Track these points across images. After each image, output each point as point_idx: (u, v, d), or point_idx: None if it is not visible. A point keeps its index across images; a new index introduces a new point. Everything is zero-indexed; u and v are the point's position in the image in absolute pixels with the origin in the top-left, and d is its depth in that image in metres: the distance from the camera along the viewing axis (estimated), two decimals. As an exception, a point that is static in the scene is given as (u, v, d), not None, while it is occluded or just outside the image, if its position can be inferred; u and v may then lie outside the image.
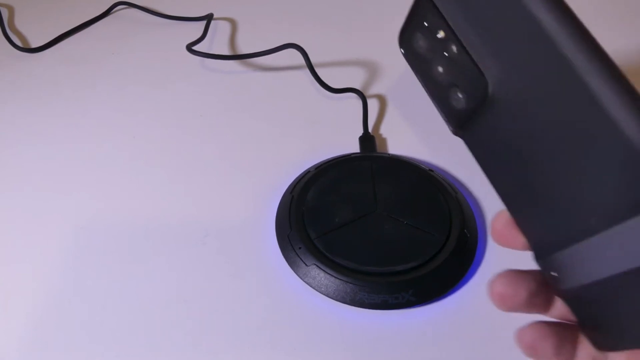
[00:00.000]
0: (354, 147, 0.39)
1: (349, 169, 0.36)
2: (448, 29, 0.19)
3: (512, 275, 0.20)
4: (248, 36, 0.53)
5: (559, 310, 0.21)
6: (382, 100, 0.44)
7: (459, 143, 0.44)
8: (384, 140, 0.41)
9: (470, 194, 0.36)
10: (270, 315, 0.30)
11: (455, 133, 0.21)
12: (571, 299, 0.19)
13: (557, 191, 0.18)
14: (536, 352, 0.20)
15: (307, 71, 0.44)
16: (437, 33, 0.20)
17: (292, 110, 0.44)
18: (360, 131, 0.41)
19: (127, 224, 0.35)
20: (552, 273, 0.19)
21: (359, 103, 0.43)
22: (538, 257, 0.20)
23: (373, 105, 0.44)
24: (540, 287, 0.20)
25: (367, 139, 0.40)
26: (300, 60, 0.45)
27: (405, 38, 0.22)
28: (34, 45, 0.52)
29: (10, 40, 0.52)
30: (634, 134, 0.15)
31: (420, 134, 0.41)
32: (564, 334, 0.20)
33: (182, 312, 0.30)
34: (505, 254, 0.32)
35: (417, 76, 0.22)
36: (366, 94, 0.44)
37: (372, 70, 0.48)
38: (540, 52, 0.16)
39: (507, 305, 0.20)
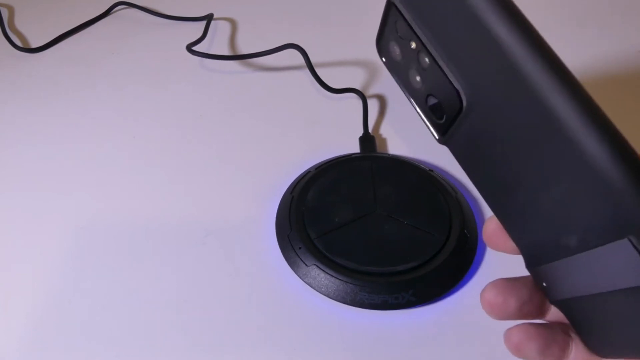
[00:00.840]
0: (354, 147, 0.39)
1: (349, 169, 0.36)
2: (418, 41, 0.19)
3: (502, 284, 0.20)
4: (248, 36, 0.53)
5: (554, 316, 0.21)
6: (382, 100, 0.44)
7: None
8: (384, 140, 0.41)
9: (470, 194, 0.36)
10: (270, 315, 0.30)
11: (440, 142, 0.21)
12: (562, 308, 0.19)
13: (535, 205, 0.18)
14: (522, 352, 0.20)
15: (307, 71, 0.44)
16: (409, 44, 0.20)
17: (292, 110, 0.44)
18: (360, 131, 0.41)
19: (127, 224, 0.35)
20: (543, 283, 0.19)
21: (359, 103, 0.43)
22: (528, 266, 0.19)
23: (373, 105, 0.44)
24: (533, 295, 0.20)
25: (367, 139, 0.40)
26: (300, 60, 0.45)
27: (382, 46, 0.22)
28: (34, 45, 0.52)
29: (10, 40, 0.52)
30: (600, 160, 0.15)
31: (420, 134, 0.41)
32: (552, 336, 0.20)
33: (182, 312, 0.30)
34: (505, 255, 0.32)
35: (398, 84, 0.22)
36: (366, 94, 0.44)
37: (372, 70, 0.48)
38: (500, 65, 0.16)
39: (498, 313, 0.20)
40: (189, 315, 0.30)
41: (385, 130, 0.42)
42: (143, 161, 0.40)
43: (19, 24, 0.56)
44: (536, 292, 0.20)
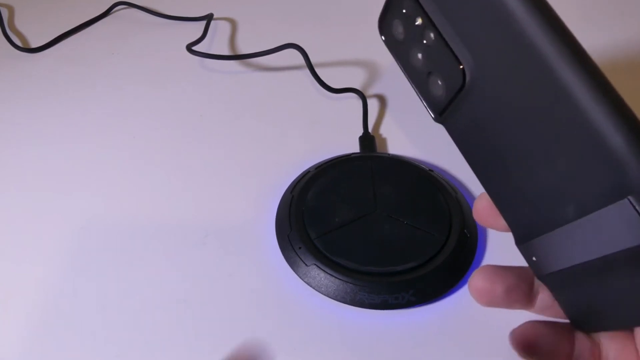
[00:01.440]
0: (354, 147, 0.39)
1: (349, 169, 0.36)
2: (425, 16, 0.19)
3: (490, 270, 0.21)
4: (248, 36, 0.53)
5: (541, 306, 0.21)
6: (382, 100, 0.44)
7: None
8: (384, 140, 0.41)
9: (470, 194, 0.36)
10: (270, 315, 0.30)
11: (436, 120, 0.21)
12: (551, 284, 0.20)
13: (533, 179, 0.18)
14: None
15: (307, 71, 0.44)
16: (415, 20, 0.20)
17: (292, 110, 0.44)
18: (360, 131, 0.41)
19: (127, 224, 0.35)
20: (533, 258, 0.19)
21: (359, 103, 0.43)
22: (518, 242, 0.20)
23: (373, 105, 0.44)
24: (519, 283, 0.21)
25: (367, 139, 0.40)
26: (300, 60, 0.45)
27: (385, 25, 0.22)
28: (34, 45, 0.52)
29: (10, 40, 0.52)
30: (602, 124, 0.15)
31: (420, 134, 0.41)
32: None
33: (182, 312, 0.30)
34: (505, 254, 0.32)
35: (398, 63, 0.22)
36: (366, 94, 0.44)
37: (372, 70, 0.48)
38: (511, 41, 0.16)
39: (485, 299, 0.21)
40: (189, 315, 0.30)
41: (385, 130, 0.42)
42: (143, 161, 0.40)
43: (19, 24, 0.56)
44: (523, 280, 0.21)
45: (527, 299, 0.21)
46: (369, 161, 0.36)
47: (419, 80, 0.21)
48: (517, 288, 0.21)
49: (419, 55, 0.20)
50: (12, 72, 0.49)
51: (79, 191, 0.37)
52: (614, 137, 0.15)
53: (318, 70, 0.44)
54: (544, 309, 0.21)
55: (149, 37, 0.53)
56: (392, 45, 0.22)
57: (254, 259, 0.33)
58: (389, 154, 0.38)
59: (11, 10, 0.58)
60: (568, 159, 0.17)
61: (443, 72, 0.20)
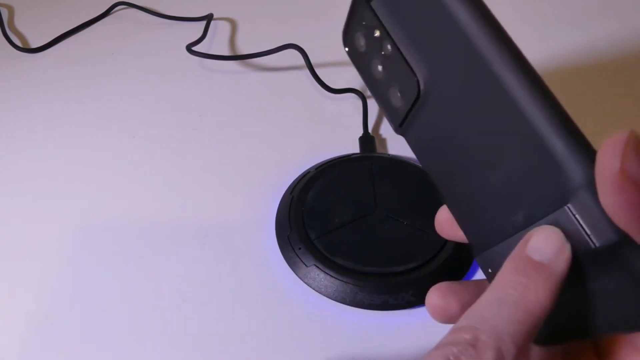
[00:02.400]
0: (354, 148, 0.39)
1: (349, 170, 0.36)
2: (382, 28, 0.20)
3: (445, 287, 0.21)
4: (248, 36, 0.53)
5: None
6: (382, 101, 0.44)
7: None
8: (384, 141, 0.41)
9: (470, 194, 0.36)
10: (270, 315, 0.30)
11: (397, 131, 0.21)
12: None
13: (485, 189, 0.18)
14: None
15: (307, 71, 0.44)
16: (374, 32, 0.20)
17: (292, 111, 0.44)
18: (360, 131, 0.40)
19: (127, 225, 0.35)
20: (489, 269, 0.19)
21: (359, 103, 0.43)
22: (475, 254, 0.20)
23: (373, 106, 0.44)
24: (475, 298, 0.20)
25: (367, 139, 0.40)
26: (300, 60, 0.45)
27: (348, 37, 0.22)
28: (34, 45, 0.52)
29: (10, 41, 0.52)
30: (543, 131, 0.15)
31: (420, 134, 0.41)
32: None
33: (182, 312, 0.30)
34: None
35: (360, 75, 0.22)
36: (366, 94, 0.44)
37: (372, 70, 0.48)
38: (459, 52, 0.17)
39: (441, 316, 0.21)
40: (189, 316, 0.30)
41: (385, 131, 0.42)
42: (143, 161, 0.40)
43: (19, 24, 0.56)
44: (478, 297, 0.21)
45: None
46: (368, 161, 0.36)
47: (380, 91, 0.22)
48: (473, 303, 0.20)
49: (379, 67, 0.21)
50: (12, 72, 0.49)
51: (79, 191, 0.37)
52: (555, 142, 0.15)
53: (318, 71, 0.44)
54: None
55: (149, 37, 0.53)
56: (355, 57, 0.22)
57: (253, 260, 0.33)
58: (389, 154, 0.38)
59: (11, 10, 0.58)
60: (516, 167, 0.17)
61: (400, 83, 0.20)
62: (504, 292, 0.16)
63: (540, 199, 0.16)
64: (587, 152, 0.15)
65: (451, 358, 0.15)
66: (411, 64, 0.19)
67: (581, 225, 0.15)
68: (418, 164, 0.37)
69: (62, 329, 0.30)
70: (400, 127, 0.21)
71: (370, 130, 0.41)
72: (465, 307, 0.20)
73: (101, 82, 0.47)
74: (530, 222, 0.17)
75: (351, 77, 0.47)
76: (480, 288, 0.21)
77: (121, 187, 0.38)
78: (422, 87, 0.19)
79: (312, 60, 0.44)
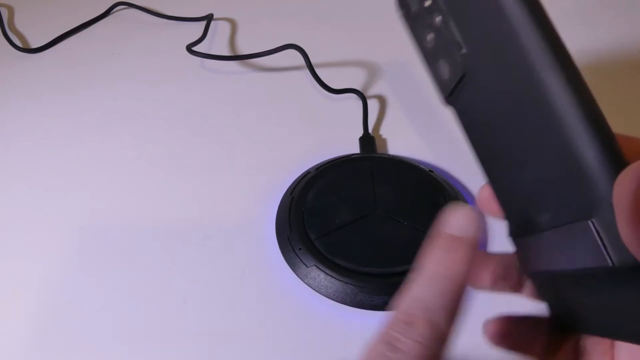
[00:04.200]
0: (354, 148, 0.39)
1: (349, 170, 0.36)
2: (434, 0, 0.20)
3: (479, 257, 0.22)
4: (248, 37, 0.53)
5: (529, 291, 0.22)
6: (382, 101, 0.44)
7: (458, 143, 0.44)
8: (384, 141, 0.41)
9: (470, 194, 0.36)
10: (270, 316, 0.30)
11: (444, 103, 0.21)
12: (533, 280, 0.20)
13: (521, 179, 0.18)
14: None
15: (307, 72, 0.44)
16: (424, 1, 0.20)
17: (292, 111, 0.44)
18: (360, 132, 0.40)
19: (127, 225, 0.35)
20: (519, 253, 0.20)
21: (359, 103, 0.43)
22: (509, 234, 0.20)
23: (373, 106, 0.44)
24: (507, 270, 0.21)
25: (367, 140, 0.40)
26: (300, 60, 0.44)
27: (402, 1, 0.22)
28: (34, 45, 0.52)
29: (10, 41, 0.52)
30: (577, 137, 0.15)
31: (420, 135, 0.41)
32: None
33: (183, 312, 0.30)
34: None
35: (413, 42, 0.22)
36: (366, 94, 0.44)
37: (372, 70, 0.48)
38: (505, 40, 0.17)
39: (475, 284, 0.22)
40: (189, 316, 0.30)
41: (385, 131, 0.42)
42: (143, 161, 0.40)
43: (19, 24, 0.56)
44: (509, 268, 0.22)
45: (515, 284, 0.22)
46: (369, 162, 0.36)
47: (429, 61, 0.21)
48: (506, 276, 0.21)
49: (429, 37, 0.21)
50: (12, 72, 0.49)
51: (79, 191, 0.37)
52: (587, 151, 0.15)
53: (318, 71, 0.44)
54: (533, 294, 0.22)
55: (149, 37, 0.53)
56: (408, 21, 0.22)
57: (254, 260, 0.33)
58: (389, 155, 0.38)
59: (11, 10, 0.58)
60: (547, 168, 0.17)
61: (449, 57, 0.20)
62: (431, 271, 0.18)
63: (567, 205, 0.16)
64: (618, 166, 0.15)
65: (391, 341, 0.16)
66: (459, 39, 0.19)
67: (602, 242, 0.15)
68: (418, 164, 0.37)
69: (62, 329, 0.30)
70: (447, 99, 0.21)
71: (370, 130, 0.41)
72: (496, 277, 0.21)
73: (101, 82, 0.47)
74: (553, 225, 0.17)
75: (351, 77, 0.47)
76: (506, 258, 0.22)
77: (121, 187, 0.38)
78: (469, 64, 0.19)
79: (312, 60, 0.44)
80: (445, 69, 0.20)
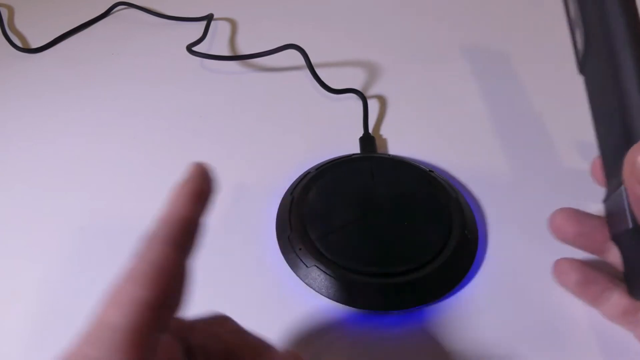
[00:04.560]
0: (354, 148, 0.39)
1: (350, 170, 0.36)
2: None
3: (570, 212, 0.25)
4: (248, 37, 0.53)
5: (614, 257, 0.24)
6: (382, 101, 0.44)
7: (459, 143, 0.44)
8: (384, 141, 0.41)
9: (470, 194, 0.36)
10: (270, 316, 0.30)
11: (579, 71, 0.25)
12: (616, 243, 0.23)
13: (609, 147, 0.22)
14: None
15: (307, 72, 0.44)
16: None
17: (292, 111, 0.44)
18: (360, 132, 0.40)
19: (127, 225, 0.35)
20: (607, 216, 0.24)
21: (359, 103, 0.43)
22: (604, 200, 0.23)
23: (373, 106, 0.44)
24: (594, 230, 0.24)
25: (368, 140, 0.40)
26: (301, 60, 0.44)
27: None
28: (34, 45, 0.52)
29: (10, 41, 0.52)
30: (635, 119, 0.20)
31: (420, 135, 0.41)
32: (593, 276, 0.25)
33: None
34: (505, 255, 0.32)
35: (564, 8, 0.26)
36: (366, 94, 0.44)
37: (372, 70, 0.48)
38: (605, 40, 0.21)
39: (557, 233, 0.25)
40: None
41: (386, 131, 0.42)
42: (143, 161, 0.40)
43: (19, 24, 0.56)
44: (595, 228, 0.24)
45: (600, 248, 0.24)
46: (369, 162, 0.36)
47: (572, 29, 0.25)
48: (591, 234, 0.24)
49: (573, 6, 0.25)
50: (12, 72, 0.49)
51: (79, 191, 0.37)
52: (635, 122, 0.19)
53: (318, 71, 0.44)
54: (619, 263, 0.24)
55: (149, 37, 0.53)
56: None
57: (254, 260, 0.32)
58: (389, 155, 0.38)
59: (11, 10, 0.58)
60: (617, 136, 0.21)
61: (580, 30, 0.24)
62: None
63: (620, 172, 0.20)
64: None
65: None
66: (584, 18, 0.23)
67: (628, 207, 0.20)
68: (418, 164, 0.37)
69: (62, 329, 0.29)
70: (579, 67, 0.25)
71: (370, 130, 0.41)
72: (577, 235, 0.24)
73: (101, 82, 0.47)
74: (613, 191, 0.22)
75: (351, 77, 0.47)
76: (599, 222, 0.24)
77: (121, 187, 0.38)
78: (586, 42, 0.23)
79: (312, 60, 0.44)
80: (580, 39, 0.24)
